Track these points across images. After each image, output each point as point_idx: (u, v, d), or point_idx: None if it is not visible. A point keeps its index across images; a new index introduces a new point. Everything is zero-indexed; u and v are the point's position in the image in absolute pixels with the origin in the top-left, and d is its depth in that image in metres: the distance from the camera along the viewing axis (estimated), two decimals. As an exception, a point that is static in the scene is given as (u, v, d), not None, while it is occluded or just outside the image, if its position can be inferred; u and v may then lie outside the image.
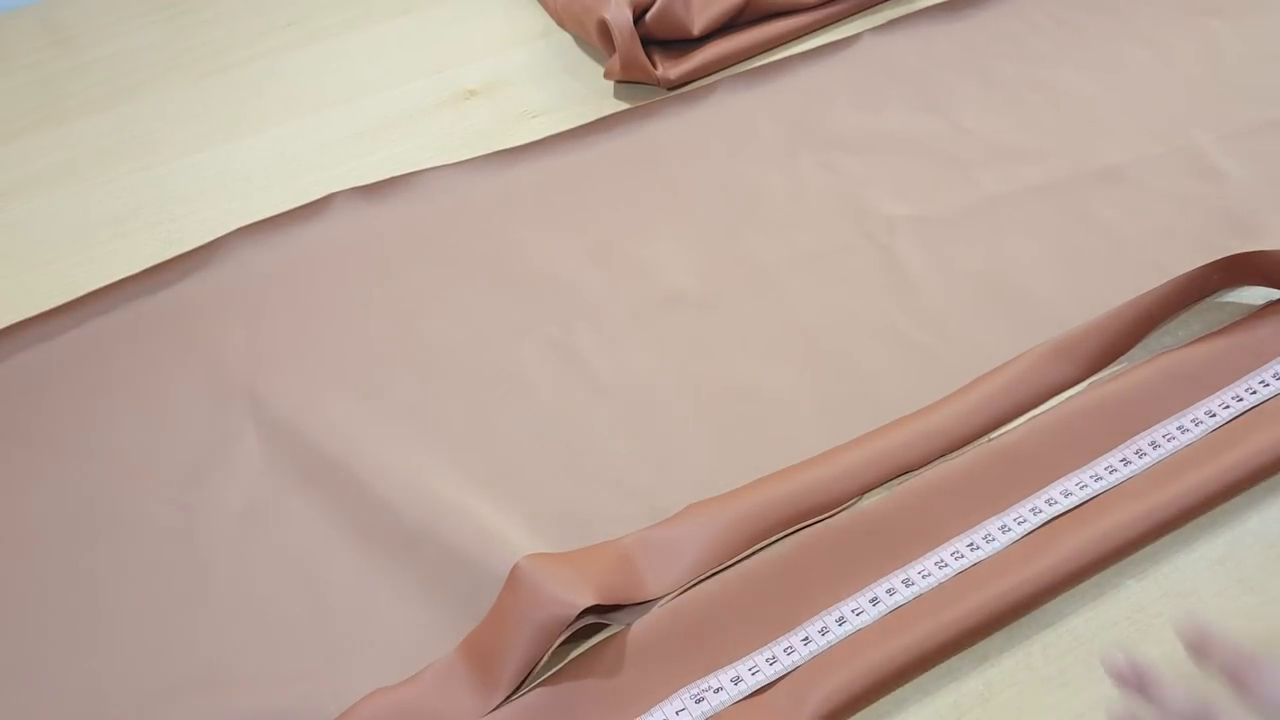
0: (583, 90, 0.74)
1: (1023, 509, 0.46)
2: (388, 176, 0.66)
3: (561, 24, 0.80)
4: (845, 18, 0.78)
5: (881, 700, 0.41)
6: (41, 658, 0.46)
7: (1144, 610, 0.44)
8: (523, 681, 0.42)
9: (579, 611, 0.41)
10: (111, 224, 0.68)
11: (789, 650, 0.42)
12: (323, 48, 0.81)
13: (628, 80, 0.73)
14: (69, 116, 0.77)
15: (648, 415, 0.53)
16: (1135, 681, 0.37)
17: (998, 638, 0.43)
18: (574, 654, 0.44)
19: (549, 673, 0.43)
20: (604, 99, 0.72)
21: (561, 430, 0.52)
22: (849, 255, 0.60)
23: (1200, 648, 0.37)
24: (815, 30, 0.77)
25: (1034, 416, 0.50)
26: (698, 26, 0.74)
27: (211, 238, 0.65)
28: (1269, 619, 0.43)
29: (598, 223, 0.63)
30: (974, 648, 0.43)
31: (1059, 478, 0.47)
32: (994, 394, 0.50)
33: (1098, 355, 0.52)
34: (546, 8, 0.82)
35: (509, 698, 0.41)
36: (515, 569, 0.43)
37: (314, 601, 0.47)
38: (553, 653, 0.42)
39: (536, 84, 0.75)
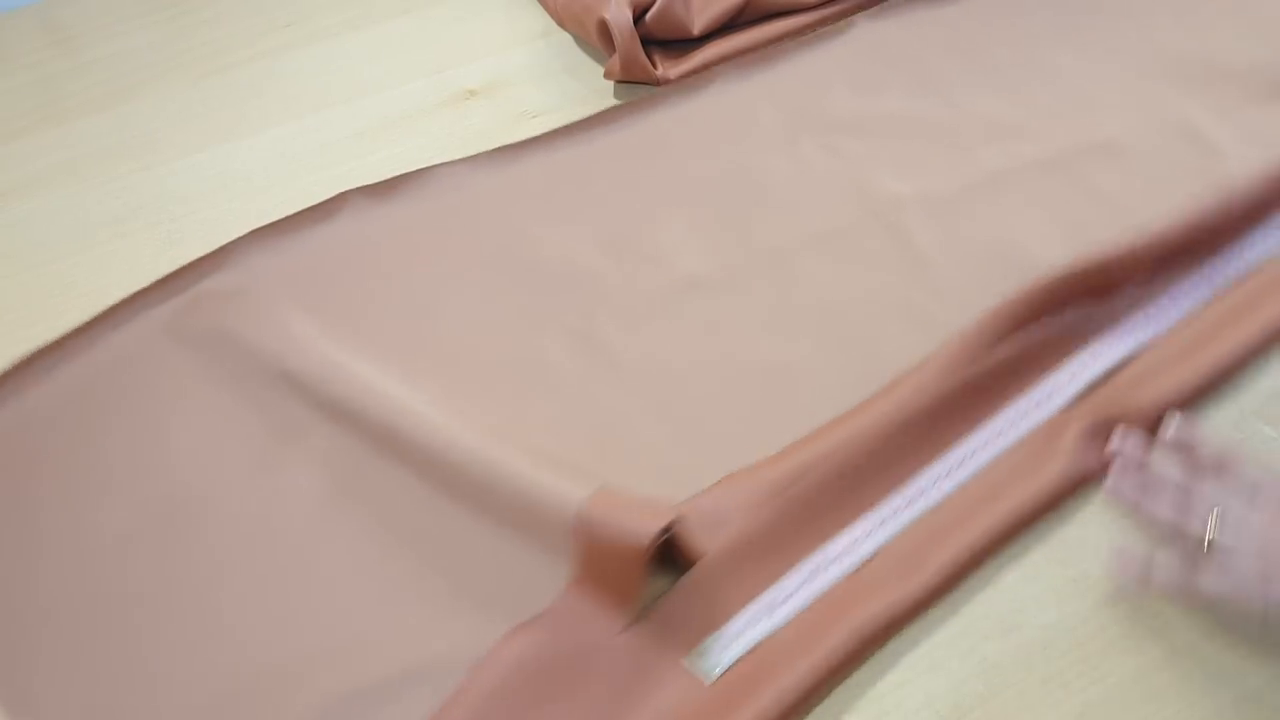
0: (583, 90, 0.74)
1: (1060, 377, 0.51)
2: (390, 176, 0.66)
3: (561, 24, 0.79)
4: (845, 17, 0.78)
5: (881, 695, 0.42)
6: (161, 656, 0.45)
7: (1144, 610, 0.44)
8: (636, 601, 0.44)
9: (661, 528, 0.43)
10: (111, 224, 0.67)
11: (882, 522, 0.47)
12: (323, 48, 0.81)
13: (628, 80, 0.73)
14: (69, 116, 0.77)
15: (676, 398, 0.54)
16: (1129, 454, 0.44)
17: (999, 638, 0.43)
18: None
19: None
20: (604, 99, 0.72)
21: (591, 417, 0.52)
22: (858, 234, 0.61)
23: (1185, 444, 0.44)
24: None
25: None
26: (698, 26, 0.74)
27: (212, 238, 0.65)
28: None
29: (607, 213, 0.64)
30: (974, 650, 0.43)
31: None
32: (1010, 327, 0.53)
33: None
34: (546, 8, 0.81)
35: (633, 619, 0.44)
36: (581, 513, 0.45)
37: (416, 562, 0.48)
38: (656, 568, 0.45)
39: (536, 84, 0.75)
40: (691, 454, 0.51)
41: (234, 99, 0.77)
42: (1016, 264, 0.57)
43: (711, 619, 0.44)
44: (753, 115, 0.70)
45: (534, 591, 0.46)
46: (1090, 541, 0.46)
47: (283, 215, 0.66)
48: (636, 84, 0.73)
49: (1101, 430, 0.48)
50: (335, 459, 0.52)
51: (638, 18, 0.72)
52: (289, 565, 0.48)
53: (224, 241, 0.65)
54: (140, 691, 0.44)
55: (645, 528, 0.43)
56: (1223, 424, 0.50)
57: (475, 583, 0.47)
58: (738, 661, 0.43)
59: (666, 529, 0.44)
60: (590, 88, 0.74)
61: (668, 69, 0.73)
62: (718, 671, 0.43)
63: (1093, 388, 0.51)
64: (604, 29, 0.72)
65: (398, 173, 0.66)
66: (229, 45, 0.82)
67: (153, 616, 0.47)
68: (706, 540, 0.46)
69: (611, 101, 0.73)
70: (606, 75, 0.73)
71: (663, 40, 0.74)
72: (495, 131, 0.69)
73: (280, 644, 0.45)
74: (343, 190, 0.66)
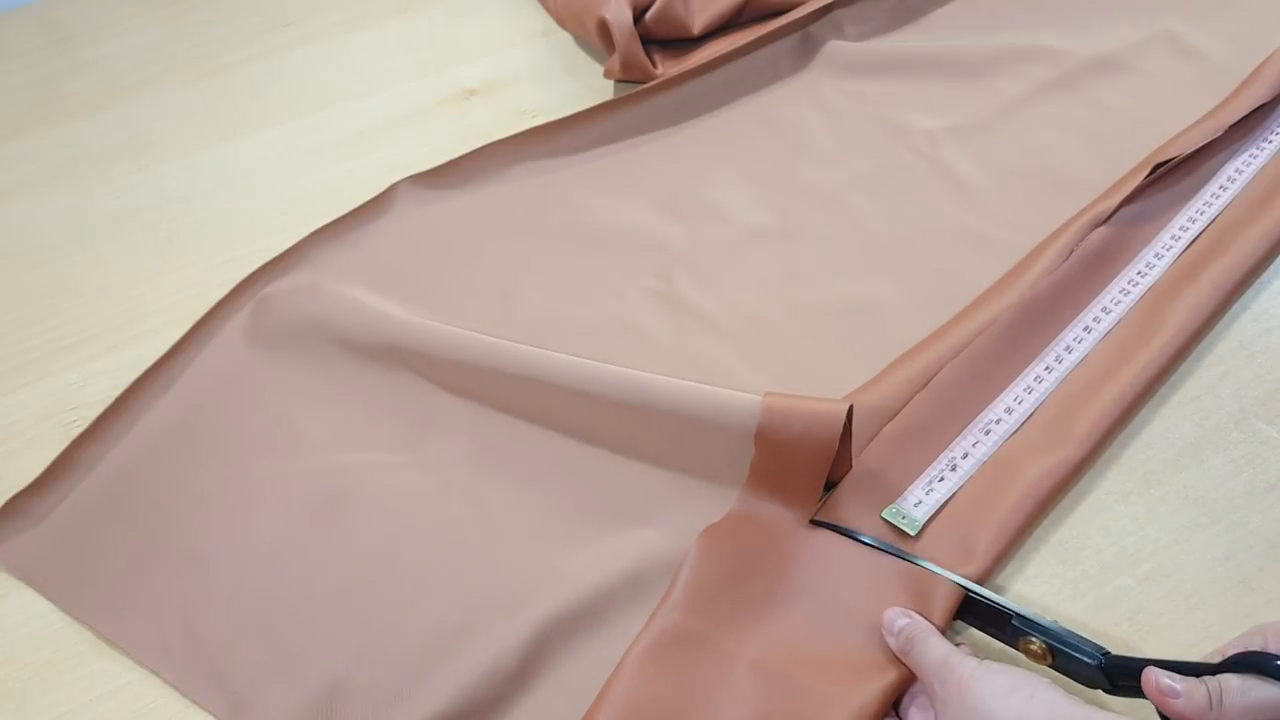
0: (583, 90, 0.74)
1: (1153, 250, 0.57)
2: (381, 178, 0.66)
3: (561, 23, 0.79)
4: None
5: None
6: (346, 636, 0.45)
7: (1145, 610, 0.44)
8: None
9: (845, 412, 0.44)
10: (111, 224, 0.67)
11: (1039, 379, 0.51)
12: (323, 48, 0.81)
13: (627, 80, 0.73)
14: (69, 116, 0.76)
15: (767, 343, 0.55)
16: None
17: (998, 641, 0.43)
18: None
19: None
20: (604, 99, 0.72)
21: (688, 372, 0.52)
22: (901, 170, 0.65)
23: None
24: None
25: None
26: (698, 26, 0.74)
27: (211, 238, 0.65)
28: (1270, 620, 0.43)
29: (659, 178, 0.66)
30: (974, 649, 0.43)
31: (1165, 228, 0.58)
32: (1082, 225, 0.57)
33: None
34: (546, 7, 0.81)
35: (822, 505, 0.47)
36: (764, 409, 0.45)
37: (577, 499, 0.49)
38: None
39: (536, 84, 0.75)
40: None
41: (234, 99, 0.77)
42: (1052, 180, 0.63)
43: (896, 485, 0.47)
44: (775, 69, 0.73)
45: (695, 506, 0.47)
46: (1090, 542, 0.46)
47: (283, 215, 0.66)
48: (637, 83, 0.73)
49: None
50: (469, 421, 0.52)
51: (638, 17, 0.72)
52: (462, 521, 0.49)
53: (223, 240, 0.65)
54: (340, 666, 0.44)
55: (833, 414, 0.44)
56: (1223, 423, 0.50)
57: (636, 507, 0.48)
58: (931, 517, 0.46)
59: (849, 415, 0.44)
60: (590, 88, 0.74)
61: (668, 69, 0.72)
62: (920, 523, 0.46)
63: (1179, 258, 0.57)
64: (604, 28, 0.72)
65: (397, 173, 0.66)
66: (229, 45, 0.82)
67: (333, 603, 0.46)
68: (870, 429, 0.49)
69: (611, 101, 0.73)
70: (606, 74, 0.73)
71: (662, 40, 0.74)
72: (495, 131, 0.69)
73: (470, 597, 0.46)
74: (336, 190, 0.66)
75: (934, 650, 0.39)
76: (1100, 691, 0.39)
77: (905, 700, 0.40)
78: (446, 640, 0.44)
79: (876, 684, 0.40)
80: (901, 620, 0.41)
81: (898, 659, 0.41)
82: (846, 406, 0.44)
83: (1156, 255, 0.57)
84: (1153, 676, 0.35)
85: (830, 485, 0.48)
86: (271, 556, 0.48)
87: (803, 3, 0.76)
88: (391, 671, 0.44)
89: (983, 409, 0.50)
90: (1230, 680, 0.34)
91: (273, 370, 0.56)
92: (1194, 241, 0.57)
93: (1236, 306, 0.55)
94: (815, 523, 0.46)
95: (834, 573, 0.44)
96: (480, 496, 0.50)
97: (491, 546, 0.48)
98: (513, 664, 0.43)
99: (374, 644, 0.45)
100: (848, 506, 0.47)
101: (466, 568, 0.47)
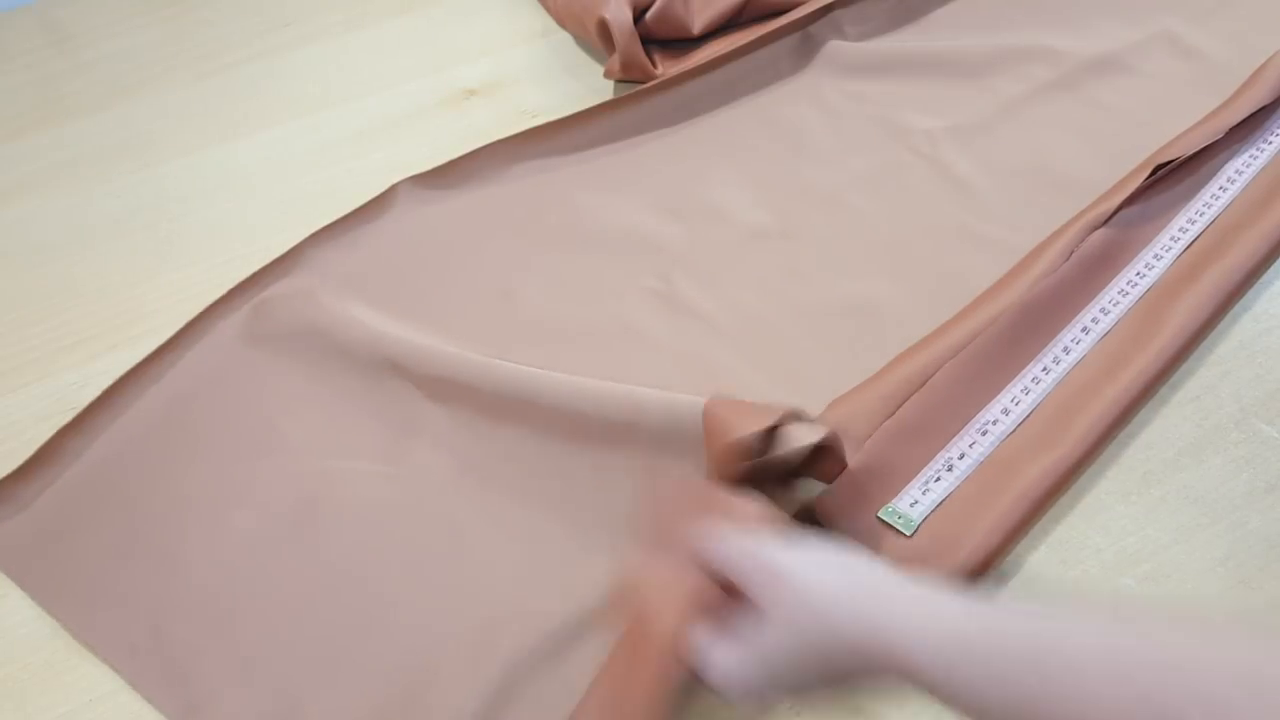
0: (583, 90, 0.74)
1: (1152, 251, 0.57)
2: (378, 179, 0.66)
3: (561, 24, 0.79)
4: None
5: (876, 700, 0.41)
6: (312, 646, 0.45)
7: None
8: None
9: (781, 412, 0.43)
10: (111, 224, 0.67)
11: (1036, 380, 0.51)
12: (323, 48, 0.81)
13: (627, 80, 0.73)
14: (68, 116, 0.76)
15: (767, 343, 0.55)
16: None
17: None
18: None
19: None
20: (604, 99, 0.72)
21: (688, 373, 0.52)
22: (901, 170, 0.65)
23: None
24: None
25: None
26: (698, 26, 0.74)
27: (211, 238, 0.65)
28: (1271, 620, 0.43)
29: (659, 178, 0.66)
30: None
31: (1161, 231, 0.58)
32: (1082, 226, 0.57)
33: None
34: (546, 7, 0.81)
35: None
36: (705, 410, 0.45)
37: (558, 513, 0.48)
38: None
39: (536, 84, 0.75)
40: (790, 397, 0.50)
41: (234, 99, 0.77)
42: (1052, 180, 0.62)
43: (892, 484, 0.47)
44: (775, 69, 0.72)
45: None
46: (1090, 542, 0.46)
47: (283, 215, 0.66)
48: (636, 83, 0.73)
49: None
50: (452, 436, 0.52)
51: (638, 17, 0.72)
52: (435, 544, 0.48)
53: (223, 240, 0.65)
54: (299, 681, 0.44)
55: (766, 414, 0.43)
56: (1223, 423, 0.50)
57: (618, 519, 0.47)
58: (927, 517, 0.46)
59: (789, 416, 0.44)
60: (590, 88, 0.74)
61: (668, 69, 0.73)
62: (916, 523, 0.46)
63: (1179, 259, 0.56)
64: (604, 28, 0.72)
65: (397, 173, 0.66)
66: (229, 45, 0.82)
67: (299, 610, 0.46)
68: (866, 428, 0.49)
69: (611, 101, 0.73)
70: (606, 75, 0.73)
71: (662, 40, 0.74)
72: (495, 131, 0.69)
73: (434, 627, 0.45)
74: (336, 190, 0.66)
75: (734, 546, 0.35)
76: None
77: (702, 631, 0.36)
78: (408, 676, 0.44)
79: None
80: (702, 536, 0.37)
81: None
82: (779, 414, 0.43)
83: (1156, 256, 0.57)
84: None
85: (826, 484, 0.48)
86: (241, 560, 0.48)
87: (803, 3, 0.76)
88: (349, 696, 0.43)
89: (980, 409, 0.50)
90: None
91: (262, 372, 0.56)
92: (1194, 242, 0.57)
93: (1237, 307, 0.55)
94: (807, 523, 0.46)
95: None
96: (456, 519, 0.49)
97: (460, 573, 0.47)
98: (476, 708, 0.42)
99: (333, 664, 0.44)
100: (843, 505, 0.47)
101: (434, 594, 0.46)
